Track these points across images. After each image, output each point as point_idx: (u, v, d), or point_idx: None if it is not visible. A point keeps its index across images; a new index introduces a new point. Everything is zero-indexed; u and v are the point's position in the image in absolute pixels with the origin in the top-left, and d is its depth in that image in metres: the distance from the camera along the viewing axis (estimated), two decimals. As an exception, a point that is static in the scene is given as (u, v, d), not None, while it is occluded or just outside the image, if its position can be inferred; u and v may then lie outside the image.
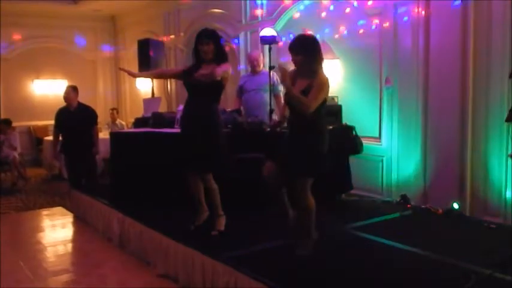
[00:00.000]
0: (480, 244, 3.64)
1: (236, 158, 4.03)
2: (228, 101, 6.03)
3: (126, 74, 4.03)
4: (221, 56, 3.71)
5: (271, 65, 4.82)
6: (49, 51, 10.44)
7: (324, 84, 3.14)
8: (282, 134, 4.47)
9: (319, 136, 3.21)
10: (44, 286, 3.75)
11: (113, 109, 9.18)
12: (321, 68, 3.21)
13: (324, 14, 5.90)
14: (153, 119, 5.29)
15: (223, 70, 3.61)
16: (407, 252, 3.41)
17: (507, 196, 4.24)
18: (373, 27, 5.35)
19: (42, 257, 4.47)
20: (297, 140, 3.21)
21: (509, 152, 4.01)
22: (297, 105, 3.12)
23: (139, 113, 7.26)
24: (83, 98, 6.32)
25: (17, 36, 10.02)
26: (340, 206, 4.87)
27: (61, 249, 4.76)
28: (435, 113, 4.78)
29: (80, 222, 5.63)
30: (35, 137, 10.18)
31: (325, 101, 3.22)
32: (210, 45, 3.67)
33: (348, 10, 5.64)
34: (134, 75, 4.22)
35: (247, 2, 7.11)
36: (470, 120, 4.48)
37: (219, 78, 3.57)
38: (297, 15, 6.37)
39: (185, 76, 3.79)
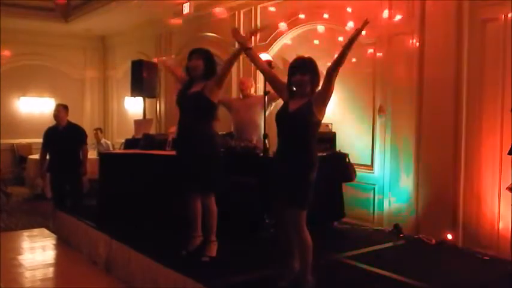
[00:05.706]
0: (477, 277, 3.61)
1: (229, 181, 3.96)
2: (219, 124, 5.96)
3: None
4: (212, 73, 3.71)
5: (266, 90, 4.79)
6: (37, 68, 10.33)
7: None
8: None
9: (311, 165, 3.07)
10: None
11: (96, 129, 9.01)
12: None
13: (317, 42, 5.95)
14: (143, 140, 5.21)
15: None
16: (402, 283, 3.35)
17: (499, 228, 4.24)
18: (367, 56, 5.40)
19: (22, 281, 4.30)
20: (287, 170, 3.05)
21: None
22: None
23: (128, 133, 7.16)
24: (70, 116, 6.16)
25: (5, 53, 9.83)
26: (332, 233, 4.80)
27: (42, 273, 4.58)
28: (428, 142, 4.79)
29: (63, 245, 5.45)
30: (18, 155, 9.95)
31: (319, 124, 3.13)
32: (198, 61, 3.69)
33: (341, 39, 5.69)
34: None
35: (241, 26, 7.13)
36: (463, 150, 4.51)
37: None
38: (290, 42, 6.42)
39: (180, 93, 3.76)
